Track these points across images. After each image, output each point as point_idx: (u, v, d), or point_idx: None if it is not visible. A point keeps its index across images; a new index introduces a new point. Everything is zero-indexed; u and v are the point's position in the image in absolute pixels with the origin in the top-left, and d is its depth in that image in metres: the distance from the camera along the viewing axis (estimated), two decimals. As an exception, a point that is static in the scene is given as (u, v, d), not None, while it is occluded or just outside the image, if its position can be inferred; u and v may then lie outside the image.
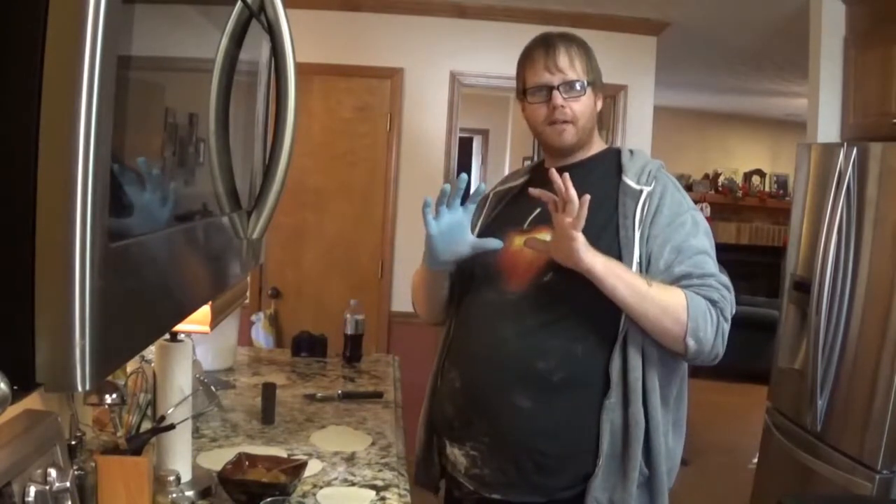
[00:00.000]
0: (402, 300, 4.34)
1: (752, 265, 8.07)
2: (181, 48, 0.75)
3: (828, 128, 3.28)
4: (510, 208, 1.75)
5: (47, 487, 0.90)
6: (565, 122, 1.64)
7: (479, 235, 1.72)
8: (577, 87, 1.63)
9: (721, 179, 8.65)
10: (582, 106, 1.64)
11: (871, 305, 2.62)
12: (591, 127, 1.69)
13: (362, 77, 4.35)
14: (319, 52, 4.09)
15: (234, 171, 0.92)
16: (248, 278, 2.09)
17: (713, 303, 1.52)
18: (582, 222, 1.45)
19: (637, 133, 4.53)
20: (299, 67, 0.92)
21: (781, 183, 8.59)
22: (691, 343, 1.49)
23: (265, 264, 4.17)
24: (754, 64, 5.50)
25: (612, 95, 4.51)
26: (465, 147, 7.38)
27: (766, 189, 8.71)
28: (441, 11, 4.32)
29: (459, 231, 1.61)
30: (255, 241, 1.02)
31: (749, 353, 5.60)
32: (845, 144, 2.81)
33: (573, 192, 1.45)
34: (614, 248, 1.55)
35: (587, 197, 1.45)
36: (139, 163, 0.65)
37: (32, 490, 0.88)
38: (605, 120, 4.69)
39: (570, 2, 4.16)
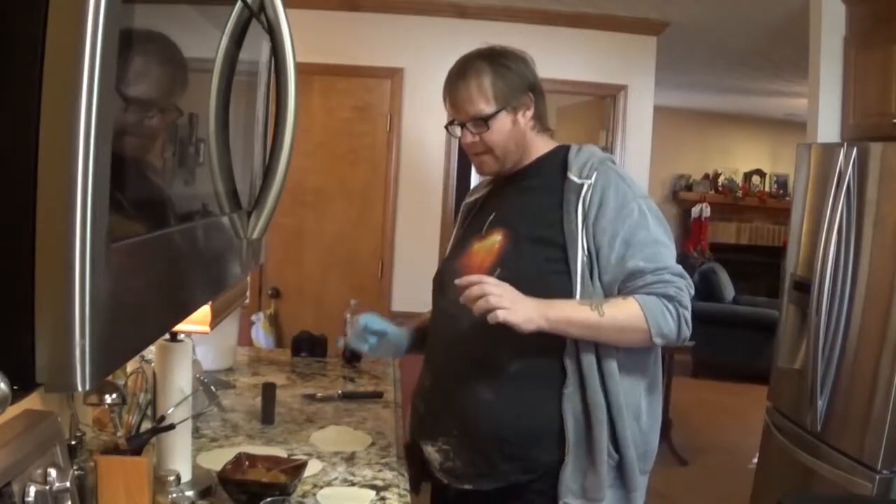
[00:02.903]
0: (402, 300, 4.34)
1: (752, 265, 8.08)
2: (181, 48, 0.75)
3: (828, 128, 3.28)
4: (474, 219, 1.81)
5: (47, 487, 0.90)
6: (481, 153, 1.69)
7: (453, 247, 1.84)
8: (478, 123, 1.64)
9: (721, 179, 8.65)
10: (494, 135, 1.65)
11: (871, 305, 2.62)
12: (514, 147, 1.68)
13: (362, 77, 4.35)
14: (319, 52, 4.09)
15: (234, 171, 0.92)
16: (248, 278, 2.09)
17: (669, 298, 1.56)
18: (500, 299, 1.47)
19: (637, 133, 4.52)
20: (299, 67, 0.92)
21: (781, 183, 8.60)
22: (658, 341, 1.57)
23: (265, 264, 4.17)
24: (754, 64, 5.50)
25: (612, 95, 4.52)
26: (465, 147, 7.36)
27: (766, 189, 8.71)
28: (441, 11, 4.32)
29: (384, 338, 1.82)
30: (255, 241, 1.02)
31: (749, 353, 5.61)
32: (845, 144, 2.81)
33: (474, 290, 1.48)
34: (560, 240, 1.59)
35: (475, 278, 1.51)
36: (139, 163, 0.65)
37: (32, 490, 0.88)
38: (606, 120, 4.70)
39: (570, 2, 4.16)
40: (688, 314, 1.58)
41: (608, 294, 1.58)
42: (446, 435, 1.67)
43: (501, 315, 1.46)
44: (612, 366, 1.58)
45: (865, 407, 2.57)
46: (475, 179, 7.82)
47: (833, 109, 3.28)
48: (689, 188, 8.57)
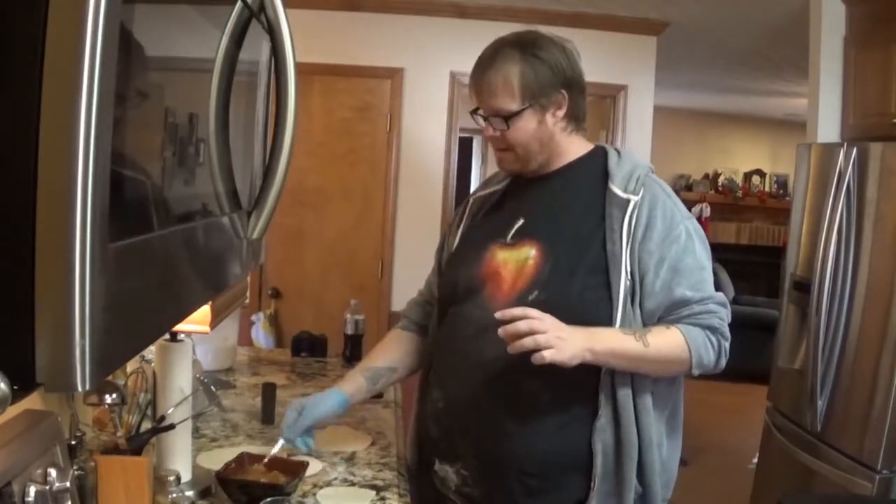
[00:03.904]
0: (402, 300, 4.32)
1: (752, 265, 8.08)
2: (181, 48, 0.75)
3: (828, 128, 3.28)
4: (491, 217, 1.67)
5: (47, 487, 0.89)
6: (502, 149, 1.57)
7: (460, 244, 1.69)
8: (501, 119, 1.51)
9: (721, 179, 8.66)
10: (516, 133, 1.52)
11: (871, 305, 2.62)
12: (537, 148, 1.55)
13: (362, 77, 4.36)
14: (319, 52, 4.09)
15: (234, 171, 0.92)
16: (248, 278, 2.09)
17: (713, 329, 1.49)
18: (548, 338, 1.35)
19: (637, 133, 4.53)
20: (299, 67, 0.92)
21: (781, 183, 8.60)
22: (696, 372, 1.50)
23: (265, 264, 4.17)
24: (754, 64, 5.50)
25: (612, 95, 4.52)
26: (465, 147, 7.37)
27: (766, 189, 8.72)
28: (441, 11, 4.32)
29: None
30: (255, 241, 1.02)
31: (749, 353, 5.59)
32: (845, 144, 2.81)
33: (520, 326, 1.35)
34: (601, 262, 1.49)
35: (521, 311, 1.38)
36: (139, 163, 0.65)
37: (32, 490, 0.87)
38: (606, 120, 4.70)
39: (570, 2, 4.16)
40: (727, 345, 1.52)
41: (647, 321, 1.49)
42: (464, 461, 1.56)
43: (549, 356, 1.34)
44: (647, 400, 1.49)
45: (865, 407, 2.57)
46: (475, 179, 7.84)
47: (833, 109, 3.28)
48: (689, 188, 8.58)
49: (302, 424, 1.61)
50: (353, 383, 1.72)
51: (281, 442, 1.62)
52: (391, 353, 1.79)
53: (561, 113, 1.54)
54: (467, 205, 1.75)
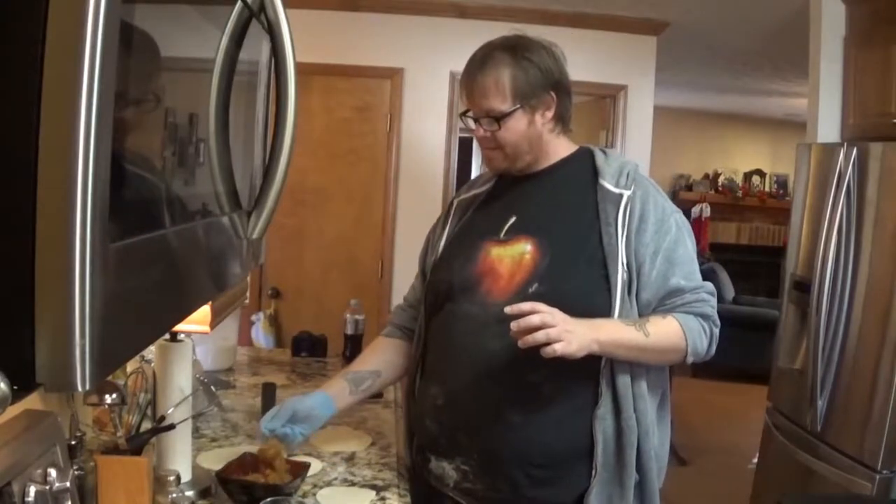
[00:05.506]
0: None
1: (752, 265, 8.08)
2: (181, 48, 0.75)
3: (828, 128, 3.28)
4: (480, 216, 1.69)
5: (47, 487, 0.89)
6: (491, 149, 1.60)
7: (448, 245, 1.70)
8: (492, 119, 1.54)
9: (721, 179, 8.67)
10: (507, 133, 1.55)
11: (871, 305, 2.62)
12: (527, 148, 1.59)
13: (362, 77, 4.36)
14: (319, 52, 4.09)
15: (234, 171, 0.92)
16: (248, 278, 2.09)
17: (705, 317, 1.54)
18: (558, 331, 1.37)
19: (637, 133, 4.53)
20: (299, 67, 0.92)
21: (781, 183, 8.61)
22: (690, 359, 1.55)
23: (265, 264, 4.17)
24: (754, 64, 5.50)
25: (612, 95, 4.52)
26: (465, 147, 7.37)
27: (766, 189, 8.73)
28: (441, 11, 4.32)
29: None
30: (255, 241, 1.02)
31: (749, 353, 5.61)
32: (845, 144, 2.81)
33: (533, 319, 1.36)
34: (598, 255, 1.52)
35: (529, 306, 1.39)
36: (139, 163, 0.65)
37: (32, 490, 0.87)
38: (606, 120, 4.70)
39: (570, 2, 4.16)
40: (717, 332, 1.57)
41: (643, 311, 1.52)
42: (466, 456, 1.57)
43: (560, 349, 1.36)
44: (643, 386, 1.52)
45: (865, 407, 2.57)
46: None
47: (833, 109, 3.28)
48: (689, 188, 8.59)
49: (281, 416, 1.61)
50: (335, 385, 1.72)
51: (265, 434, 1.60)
52: (374, 359, 1.80)
53: (550, 114, 1.58)
54: (451, 207, 1.78)
